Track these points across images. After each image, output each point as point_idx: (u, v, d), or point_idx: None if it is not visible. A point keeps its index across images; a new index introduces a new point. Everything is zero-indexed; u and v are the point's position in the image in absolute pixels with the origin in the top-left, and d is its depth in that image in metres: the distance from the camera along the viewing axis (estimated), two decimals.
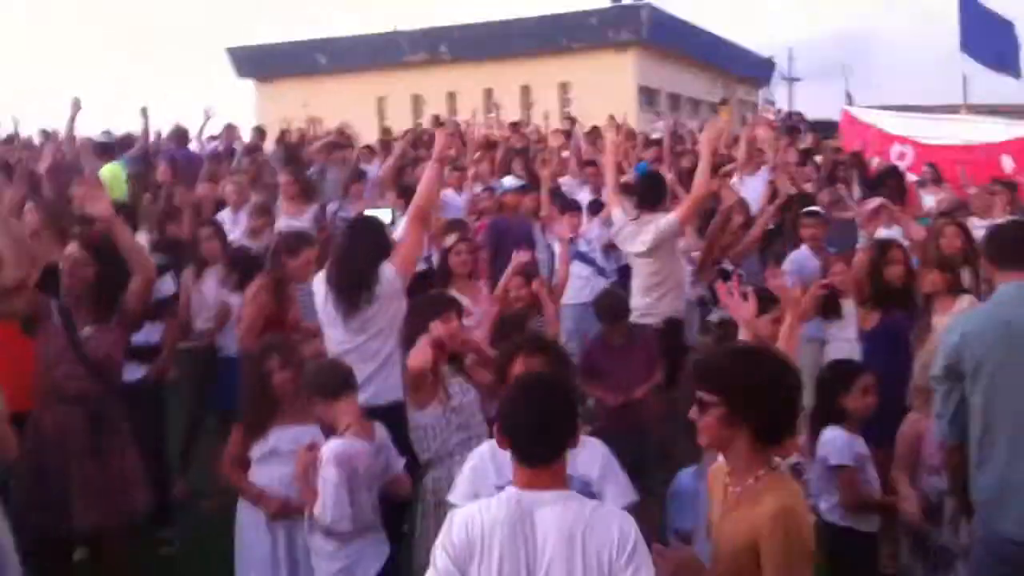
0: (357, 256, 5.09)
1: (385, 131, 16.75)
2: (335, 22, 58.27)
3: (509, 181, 9.84)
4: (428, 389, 4.30)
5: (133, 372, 5.78)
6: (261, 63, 36.50)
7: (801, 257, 7.67)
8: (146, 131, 12.12)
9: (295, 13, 59.34)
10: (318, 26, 48.09)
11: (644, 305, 7.01)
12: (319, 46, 35.47)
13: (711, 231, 7.61)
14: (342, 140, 14.73)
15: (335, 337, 5.14)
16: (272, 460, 4.50)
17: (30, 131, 14.53)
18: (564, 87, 32.59)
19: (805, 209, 8.19)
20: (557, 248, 8.40)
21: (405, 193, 9.72)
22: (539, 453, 2.84)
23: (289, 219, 8.66)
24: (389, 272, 5.07)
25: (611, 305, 6.46)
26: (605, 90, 28.86)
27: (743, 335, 3.94)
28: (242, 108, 35.18)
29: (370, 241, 5.16)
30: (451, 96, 32.09)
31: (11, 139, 13.54)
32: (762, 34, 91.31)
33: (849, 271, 6.53)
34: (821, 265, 7.11)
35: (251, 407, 4.59)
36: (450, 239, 6.87)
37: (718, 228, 7.60)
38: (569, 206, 9.08)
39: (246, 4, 69.61)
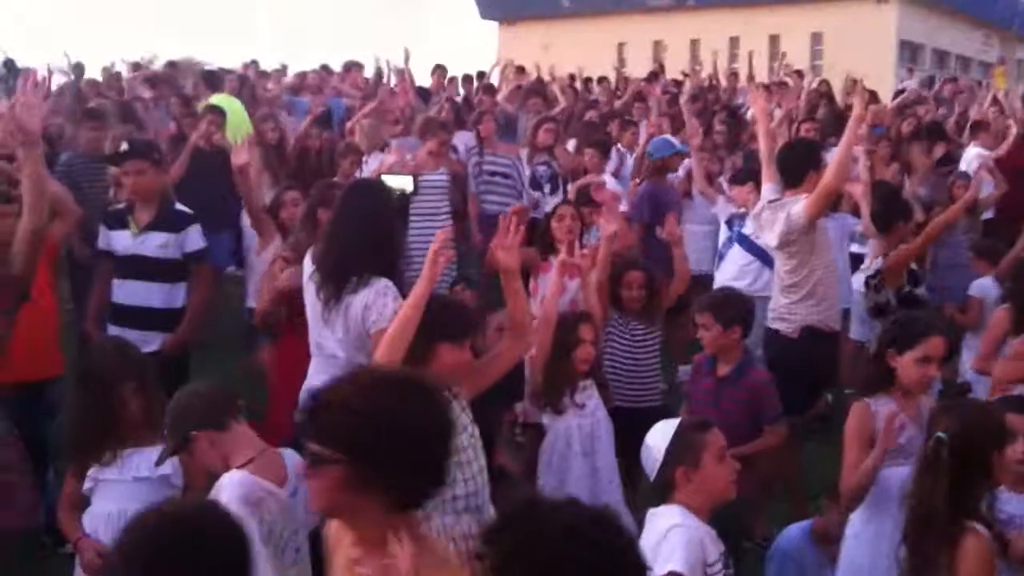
0: (348, 229, 3.92)
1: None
2: None
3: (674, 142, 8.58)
4: None
5: (148, 343, 4.85)
6: (504, 4, 36.15)
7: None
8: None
9: None
10: None
11: (780, 306, 5.64)
12: None
13: (934, 229, 6.13)
14: (539, 86, 14.04)
15: (316, 338, 4.02)
16: (113, 490, 3.59)
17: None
18: (816, 38, 30.39)
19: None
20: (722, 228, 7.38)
21: None
22: None
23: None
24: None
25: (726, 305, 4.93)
26: (861, 43, 26.72)
27: None
28: (485, 50, 35.13)
29: (367, 212, 3.95)
30: (694, 43, 30.63)
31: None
32: None
33: None
34: None
35: (89, 436, 3.64)
36: (554, 202, 5.87)
37: (941, 227, 6.20)
38: (741, 176, 7.30)
39: None
